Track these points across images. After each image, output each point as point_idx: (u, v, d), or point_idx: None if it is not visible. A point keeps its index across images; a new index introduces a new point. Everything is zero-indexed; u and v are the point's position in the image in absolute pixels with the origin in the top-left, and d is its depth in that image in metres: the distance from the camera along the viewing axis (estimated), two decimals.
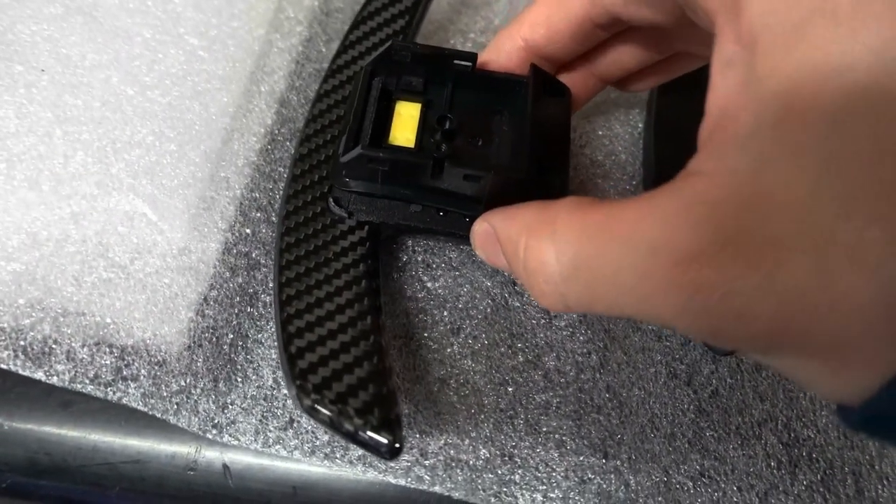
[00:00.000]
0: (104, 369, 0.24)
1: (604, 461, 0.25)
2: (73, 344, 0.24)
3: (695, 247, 0.15)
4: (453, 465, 0.25)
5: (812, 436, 0.27)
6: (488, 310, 0.29)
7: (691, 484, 0.25)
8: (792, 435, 0.27)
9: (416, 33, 0.36)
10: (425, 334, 0.28)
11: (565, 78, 0.28)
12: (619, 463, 0.25)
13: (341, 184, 0.27)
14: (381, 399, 0.22)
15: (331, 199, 0.28)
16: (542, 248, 0.18)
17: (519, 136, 0.28)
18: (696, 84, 0.35)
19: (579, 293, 0.17)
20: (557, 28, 0.25)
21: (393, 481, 0.24)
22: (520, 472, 0.25)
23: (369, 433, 0.21)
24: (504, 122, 0.29)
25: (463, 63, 0.30)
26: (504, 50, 0.27)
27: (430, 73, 0.29)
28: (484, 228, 0.23)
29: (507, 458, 0.25)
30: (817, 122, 0.14)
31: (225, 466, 0.25)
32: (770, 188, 0.14)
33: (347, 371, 0.23)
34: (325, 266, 0.27)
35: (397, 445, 0.21)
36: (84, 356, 0.24)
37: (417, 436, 0.25)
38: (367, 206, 0.28)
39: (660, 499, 0.25)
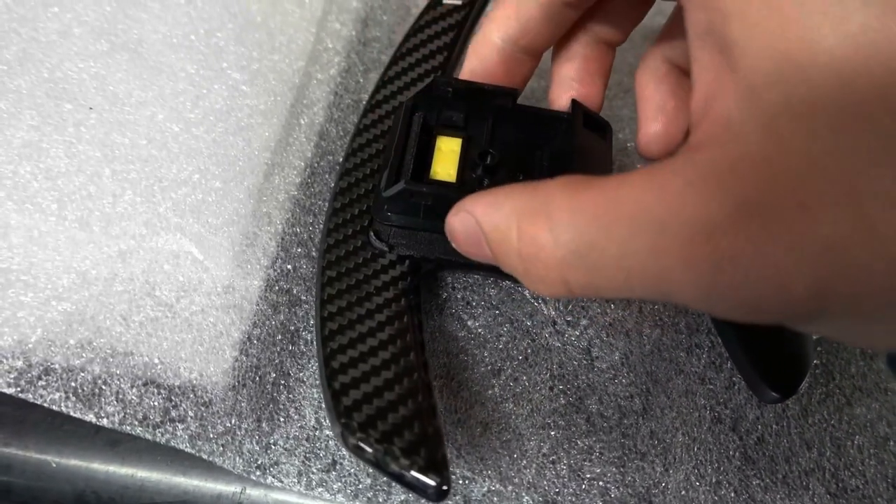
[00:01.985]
0: (152, 410, 0.25)
1: None
2: (122, 385, 0.25)
3: (715, 217, 0.14)
4: None
5: (860, 486, 0.26)
6: (528, 350, 0.29)
7: None
8: (840, 485, 0.26)
9: (454, 69, 0.36)
10: (466, 375, 0.28)
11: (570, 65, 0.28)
12: None
13: (383, 218, 0.28)
14: (427, 438, 0.22)
15: (371, 233, 0.28)
16: (539, 233, 0.17)
17: (561, 171, 0.28)
18: None
19: (583, 278, 0.17)
20: (528, 16, 0.24)
21: None
22: None
23: (416, 474, 0.21)
24: (545, 158, 0.29)
25: (504, 99, 0.30)
26: (483, 55, 0.26)
27: (471, 108, 0.29)
28: (462, 219, 0.21)
29: (549, 502, 0.25)
30: (820, 84, 0.14)
31: None
32: (788, 151, 0.14)
33: (392, 409, 0.23)
34: (366, 300, 0.27)
35: (445, 488, 0.21)
36: (133, 397, 0.25)
37: (461, 482, 0.25)
38: (407, 239, 0.28)
39: None
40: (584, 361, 0.28)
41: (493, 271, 0.29)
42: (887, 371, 0.29)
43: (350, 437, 0.23)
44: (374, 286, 0.28)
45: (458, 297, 0.30)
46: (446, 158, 0.29)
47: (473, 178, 0.28)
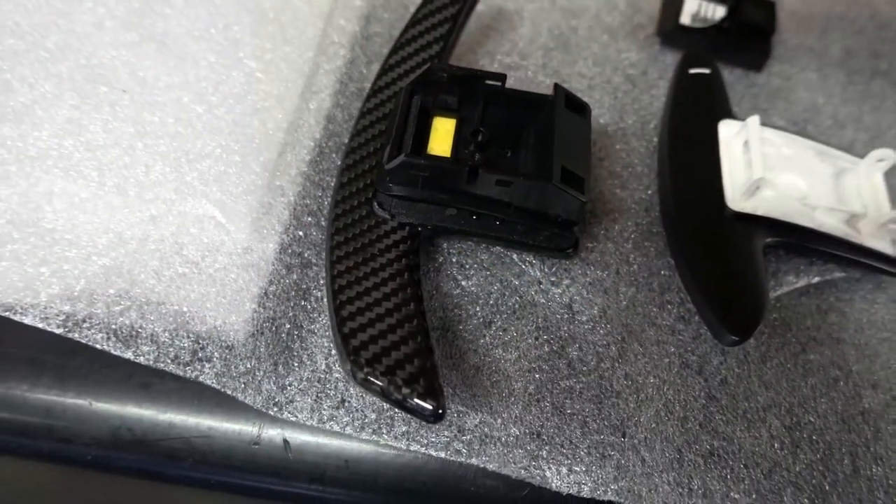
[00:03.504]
0: (183, 351, 0.28)
1: (622, 439, 0.28)
2: (155, 328, 0.28)
3: None
4: (487, 441, 0.28)
5: (812, 420, 0.30)
6: (517, 305, 0.32)
7: (702, 461, 0.28)
8: (794, 419, 0.29)
9: (449, 57, 0.40)
10: (460, 327, 0.31)
11: None
12: (636, 441, 0.28)
13: (385, 188, 0.31)
14: (425, 371, 0.25)
15: (375, 203, 0.32)
16: None
17: (545, 147, 0.31)
18: (705, 103, 0.38)
19: None
20: None
21: (434, 454, 0.28)
22: (546, 448, 0.28)
23: (416, 400, 0.25)
24: (530, 136, 0.32)
25: (493, 83, 0.33)
26: None
27: (464, 91, 0.33)
28: None
29: (535, 436, 0.28)
30: None
31: (285, 441, 0.28)
32: None
33: (395, 348, 0.26)
34: (371, 260, 0.30)
35: (441, 411, 0.25)
36: (165, 339, 0.28)
37: (455, 415, 0.28)
38: (407, 209, 0.32)
39: (673, 474, 0.28)
40: (566, 315, 0.32)
41: (485, 237, 0.33)
42: (838, 323, 0.33)
43: (358, 372, 0.26)
44: (378, 248, 0.31)
45: (454, 260, 0.33)
46: (442, 136, 0.32)
47: (466, 153, 0.31)
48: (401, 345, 0.26)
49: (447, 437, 0.28)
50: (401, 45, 0.40)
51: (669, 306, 0.32)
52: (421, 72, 0.34)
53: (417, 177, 0.31)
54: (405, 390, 0.25)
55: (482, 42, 0.43)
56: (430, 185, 0.31)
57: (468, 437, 0.28)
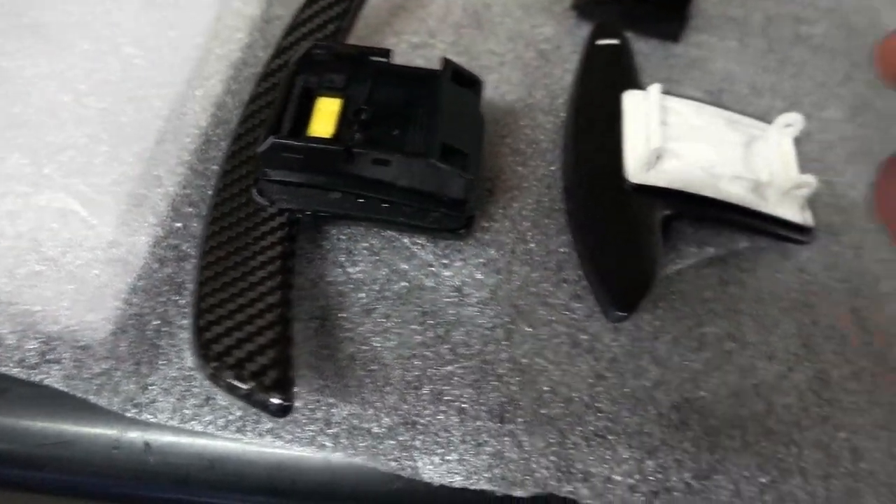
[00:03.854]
0: (30, 353, 0.26)
1: (499, 425, 0.27)
2: (1, 331, 0.26)
3: None
4: (356, 433, 0.26)
5: (703, 395, 0.28)
6: (403, 290, 0.30)
7: (584, 443, 0.27)
8: (683, 396, 0.28)
9: (346, 37, 0.38)
10: (341, 315, 0.30)
11: None
12: (514, 426, 0.27)
13: (262, 174, 0.29)
14: (276, 363, 0.24)
15: (254, 190, 0.30)
16: None
17: (430, 124, 0.30)
18: (612, 74, 0.37)
19: None
20: None
21: (298, 450, 0.26)
22: (421, 437, 0.26)
23: (261, 393, 0.23)
24: (420, 112, 0.30)
25: (378, 59, 0.32)
26: None
27: (352, 70, 0.31)
28: None
29: (409, 426, 0.27)
30: None
31: (146, 444, 0.27)
32: None
33: (249, 340, 0.25)
34: (244, 249, 0.28)
35: (287, 404, 0.23)
36: (11, 342, 0.26)
37: (324, 408, 0.27)
38: (288, 195, 0.30)
39: (552, 458, 0.26)
40: (455, 298, 0.30)
41: (371, 221, 0.31)
42: (738, 294, 0.31)
43: (206, 367, 0.24)
44: (253, 237, 0.29)
45: (342, 246, 0.32)
46: (325, 117, 0.31)
47: (349, 133, 0.30)
48: (255, 336, 0.25)
49: (312, 431, 0.26)
50: (294, 27, 0.38)
51: (566, 284, 0.31)
52: (302, 52, 0.32)
53: (294, 160, 0.29)
54: (250, 384, 0.23)
55: (390, 21, 0.42)
56: (308, 169, 0.30)
57: (335, 431, 0.26)
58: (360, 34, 0.41)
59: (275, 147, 0.28)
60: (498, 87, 0.38)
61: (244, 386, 0.23)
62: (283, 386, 0.23)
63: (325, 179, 0.30)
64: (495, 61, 0.40)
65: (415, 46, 0.40)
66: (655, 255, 0.29)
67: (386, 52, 0.32)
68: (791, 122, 0.34)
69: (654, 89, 0.34)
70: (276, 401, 0.23)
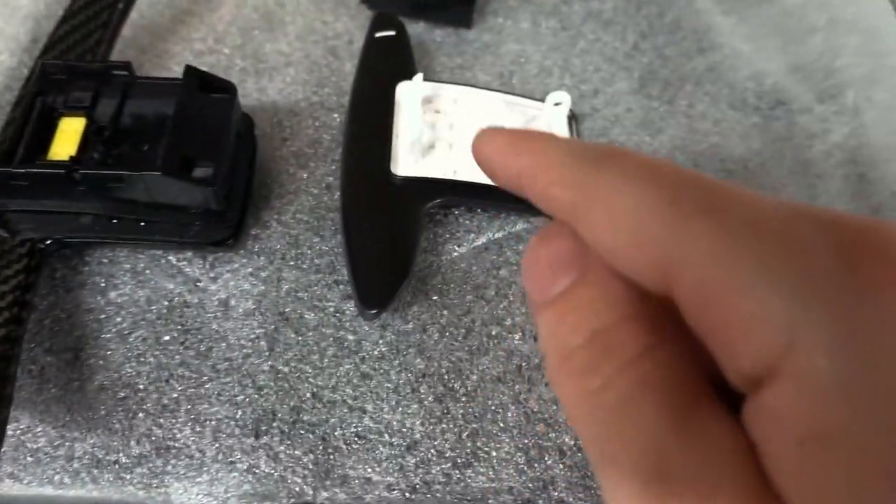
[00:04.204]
0: None
1: (254, 440, 0.26)
2: None
3: None
4: (101, 465, 0.25)
5: (467, 384, 0.28)
6: (164, 310, 0.29)
7: (345, 447, 0.26)
8: (447, 386, 0.28)
9: (110, 49, 0.36)
10: (95, 342, 0.28)
11: None
12: (269, 439, 0.26)
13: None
14: None
15: None
16: None
17: (180, 135, 0.29)
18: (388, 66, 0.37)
19: None
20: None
21: (38, 490, 0.25)
22: (174, 461, 0.26)
23: None
24: (169, 125, 0.29)
25: (120, 73, 0.30)
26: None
27: (99, 86, 0.30)
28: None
29: (162, 451, 0.26)
30: None
31: None
32: None
33: None
34: None
35: None
36: None
37: (67, 444, 0.26)
38: (35, 223, 0.29)
39: (311, 466, 0.26)
40: (220, 312, 0.29)
41: (131, 242, 0.30)
42: (508, 278, 0.31)
43: None
44: None
45: (103, 271, 0.30)
46: (68, 138, 0.29)
47: (94, 154, 0.28)
48: None
49: (54, 469, 0.25)
50: (52, 45, 0.36)
51: (339, 286, 0.30)
52: (36, 72, 0.31)
53: (25, 188, 0.28)
54: None
55: (175, 28, 0.40)
56: (43, 195, 0.28)
57: (76, 466, 0.25)
58: (142, 43, 0.39)
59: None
60: (283, 89, 0.37)
61: None
62: None
63: (68, 204, 0.28)
64: (282, 62, 0.39)
65: (199, 53, 0.39)
66: (412, 250, 0.29)
67: (127, 66, 0.30)
68: (560, 101, 0.35)
69: (417, 79, 0.33)
70: None
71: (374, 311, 0.27)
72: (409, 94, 0.34)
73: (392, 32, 0.38)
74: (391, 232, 0.29)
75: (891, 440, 0.11)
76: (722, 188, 0.13)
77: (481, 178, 0.32)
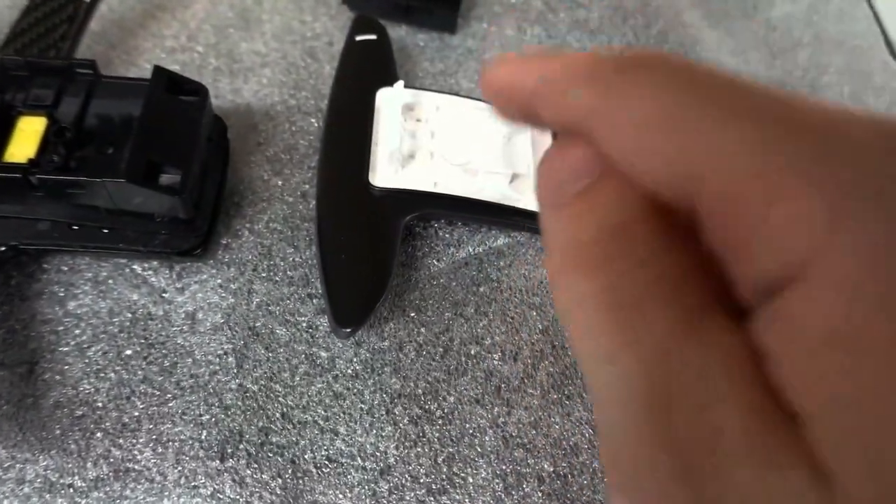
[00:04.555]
0: None
1: (218, 463, 0.25)
2: None
3: None
4: (54, 489, 0.24)
5: (443, 406, 0.27)
6: (126, 323, 0.28)
7: (315, 470, 0.25)
8: (424, 408, 0.27)
9: (76, 45, 0.35)
10: (52, 356, 0.27)
11: None
12: (235, 462, 0.25)
13: None
14: None
15: None
16: None
17: (146, 136, 0.27)
18: (368, 71, 0.35)
19: None
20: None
21: None
22: (133, 485, 0.24)
23: None
24: (135, 126, 0.28)
25: (84, 71, 0.29)
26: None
27: (62, 84, 0.28)
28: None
29: (121, 474, 0.24)
30: None
31: None
32: None
33: None
34: None
35: None
36: None
37: (18, 465, 0.24)
38: None
39: (279, 490, 0.25)
40: (187, 325, 0.28)
41: (92, 250, 0.28)
42: (489, 295, 0.30)
43: None
44: None
45: (62, 279, 0.29)
46: (26, 138, 0.28)
47: (54, 156, 0.27)
48: None
49: (2, 493, 0.23)
50: (14, 37, 0.34)
51: (313, 300, 0.29)
52: None
53: None
54: None
55: (146, 24, 0.39)
56: (9, 199, 0.27)
57: (26, 490, 0.24)
58: (113, 39, 0.37)
59: None
60: (258, 91, 0.36)
61: None
62: None
63: (25, 209, 0.27)
64: (258, 62, 0.38)
65: (171, 51, 0.38)
66: (389, 266, 0.28)
67: (91, 64, 0.29)
68: None
69: (398, 86, 0.32)
70: None
71: (348, 330, 0.26)
72: (390, 100, 0.33)
73: (373, 36, 0.37)
74: (368, 246, 0.28)
75: None
76: (763, 91, 0.12)
77: (463, 190, 0.31)
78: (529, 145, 0.33)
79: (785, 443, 0.11)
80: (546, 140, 0.33)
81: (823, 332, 0.11)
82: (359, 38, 0.37)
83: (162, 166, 0.27)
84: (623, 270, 0.13)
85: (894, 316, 0.10)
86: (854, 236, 0.11)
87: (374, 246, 0.28)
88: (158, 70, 0.29)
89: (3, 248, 0.27)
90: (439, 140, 0.32)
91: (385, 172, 0.30)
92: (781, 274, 0.11)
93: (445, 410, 0.27)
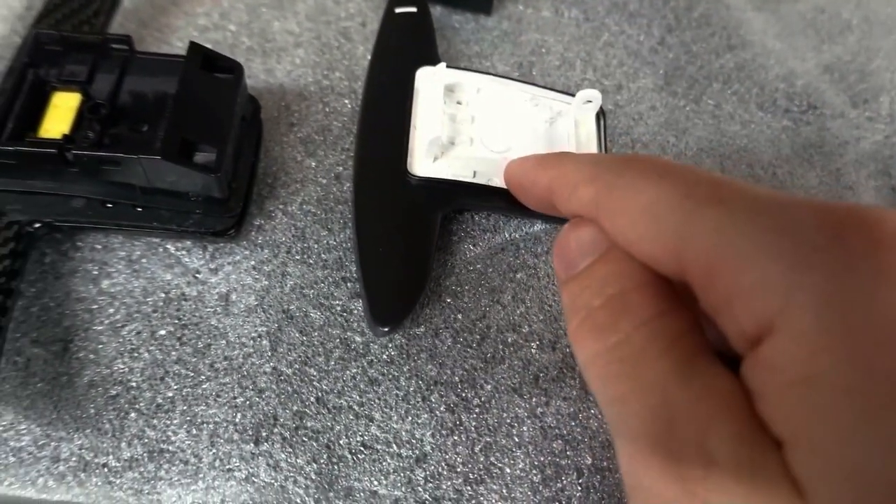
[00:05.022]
0: None
1: (253, 446, 0.24)
2: None
3: None
4: (88, 469, 0.24)
5: (481, 394, 0.27)
6: (160, 303, 0.27)
7: (351, 456, 0.25)
8: (461, 396, 0.26)
9: (110, 20, 0.34)
10: (86, 335, 0.26)
11: None
12: (269, 446, 0.25)
13: None
14: None
15: None
16: None
17: (180, 114, 0.27)
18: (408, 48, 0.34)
19: None
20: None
21: (20, 492, 0.23)
22: (167, 466, 0.24)
23: None
24: (170, 104, 0.28)
25: (119, 47, 0.29)
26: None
27: (96, 60, 0.28)
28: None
29: (155, 455, 0.24)
30: None
31: None
32: None
33: None
34: None
35: None
36: None
37: (53, 444, 0.24)
38: (22, 203, 0.27)
39: (313, 476, 0.24)
40: (220, 307, 0.28)
41: (126, 229, 0.28)
42: (526, 282, 0.30)
43: None
44: None
45: (96, 258, 0.28)
46: (61, 114, 0.27)
47: (89, 133, 0.26)
48: None
49: (38, 470, 0.23)
50: (48, 12, 0.34)
51: (347, 284, 0.28)
52: (29, 40, 0.29)
53: (12, 167, 0.26)
54: None
55: (179, 1, 0.38)
56: (32, 175, 0.26)
57: (61, 469, 0.23)
58: (145, 16, 0.37)
59: None
60: (291, 72, 0.35)
61: None
62: None
63: (59, 185, 0.27)
64: (291, 42, 0.37)
65: (203, 29, 0.37)
66: (428, 262, 0.27)
67: (127, 39, 0.28)
68: (591, 98, 0.33)
69: (440, 68, 0.31)
70: None
71: (386, 329, 0.25)
72: (431, 81, 0.32)
73: (413, 9, 0.36)
74: (407, 241, 0.27)
75: (865, 379, 0.12)
76: (729, 182, 0.15)
77: (502, 181, 0.31)
78: (570, 131, 0.32)
79: (769, 465, 0.13)
80: (588, 127, 0.32)
81: (792, 374, 0.13)
82: (398, 10, 0.36)
83: (196, 144, 0.26)
84: (627, 331, 0.15)
85: (844, 358, 0.13)
86: (807, 296, 0.13)
87: (412, 241, 0.27)
88: (194, 46, 0.28)
89: (37, 225, 0.27)
90: (480, 125, 0.31)
91: (424, 161, 0.29)
92: (757, 329, 0.14)
93: (483, 399, 0.26)
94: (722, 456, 0.13)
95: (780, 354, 0.13)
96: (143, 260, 0.29)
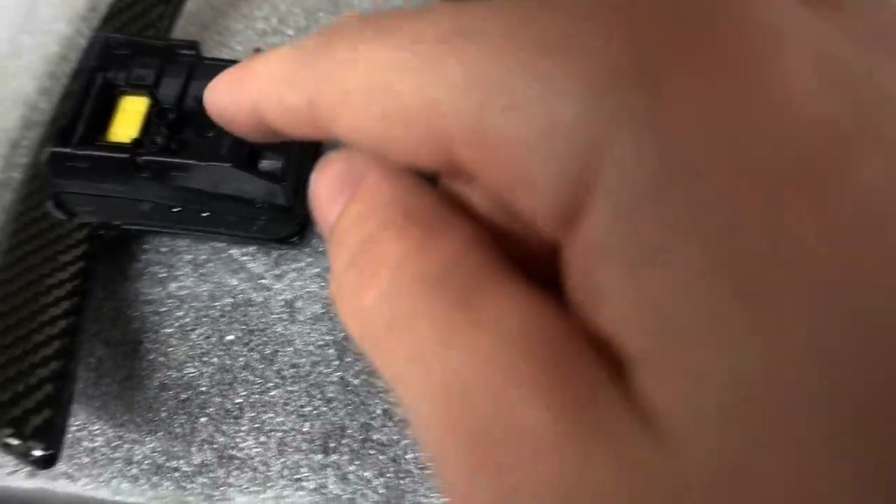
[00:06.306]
0: None
1: (322, 456, 0.25)
2: None
3: None
4: (161, 472, 0.24)
5: None
6: (227, 308, 0.28)
7: (418, 471, 0.25)
8: None
9: (172, 25, 0.35)
10: (154, 337, 0.27)
11: None
12: (338, 457, 0.25)
13: (53, 185, 0.26)
14: (42, 406, 0.21)
15: (49, 202, 0.27)
16: None
17: None
18: None
19: None
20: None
21: (93, 492, 0.23)
22: (236, 473, 0.24)
23: (14, 441, 0.20)
24: None
25: (187, 52, 0.29)
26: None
27: (162, 65, 0.28)
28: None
29: (225, 461, 0.24)
30: None
31: None
32: None
33: (14, 381, 0.22)
34: (28, 272, 0.25)
35: (51, 454, 0.20)
36: None
37: (126, 445, 0.24)
38: (93, 206, 0.27)
39: (381, 490, 0.24)
40: (286, 314, 0.28)
41: (192, 233, 0.28)
42: None
43: None
44: (44, 256, 0.26)
45: (163, 260, 0.29)
46: (129, 119, 0.28)
47: (157, 137, 0.27)
48: (25, 376, 0.22)
49: (111, 472, 0.24)
50: (112, 14, 0.34)
51: None
52: (97, 44, 0.29)
53: (84, 170, 0.26)
54: (6, 431, 0.20)
55: (238, 5, 0.38)
56: (103, 179, 0.27)
57: (135, 471, 0.24)
58: (205, 19, 0.37)
59: (57, 157, 0.25)
60: None
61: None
62: (48, 433, 0.20)
63: (128, 189, 0.27)
64: None
65: (262, 33, 0.37)
66: None
67: (193, 45, 0.28)
68: None
69: None
70: (38, 452, 0.20)
71: None
72: None
73: None
74: None
75: (721, 247, 0.09)
76: (472, 11, 0.11)
77: None
78: None
79: (601, 410, 0.09)
80: None
81: (625, 254, 0.09)
82: None
83: (262, 151, 0.26)
84: (376, 293, 0.12)
85: (682, 220, 0.09)
86: (621, 146, 0.09)
87: None
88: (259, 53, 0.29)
89: (114, 227, 0.27)
90: None
91: None
92: (570, 203, 0.10)
93: None
94: (530, 424, 0.09)
95: (604, 231, 0.10)
96: (209, 264, 0.29)
